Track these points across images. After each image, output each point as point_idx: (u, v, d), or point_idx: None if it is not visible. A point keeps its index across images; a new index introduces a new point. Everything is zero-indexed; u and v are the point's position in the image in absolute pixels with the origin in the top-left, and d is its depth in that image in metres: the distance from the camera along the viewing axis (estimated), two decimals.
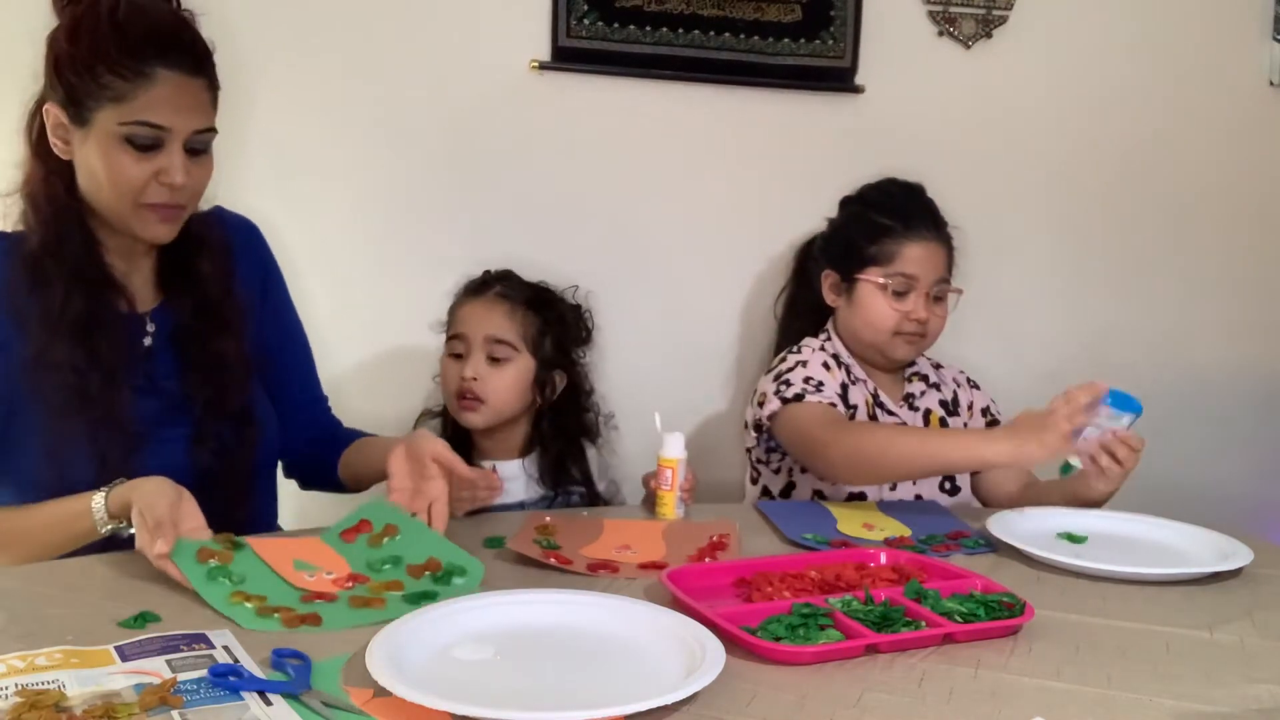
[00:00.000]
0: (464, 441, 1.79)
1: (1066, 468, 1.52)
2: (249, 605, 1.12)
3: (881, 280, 1.86)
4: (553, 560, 1.32)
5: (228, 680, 0.95)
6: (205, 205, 1.50)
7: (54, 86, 1.36)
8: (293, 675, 0.97)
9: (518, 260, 1.87)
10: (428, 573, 1.23)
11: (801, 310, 2.09)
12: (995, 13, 2.28)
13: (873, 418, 1.88)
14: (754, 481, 1.96)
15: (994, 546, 1.46)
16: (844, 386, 1.85)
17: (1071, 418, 1.48)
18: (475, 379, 1.72)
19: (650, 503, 1.65)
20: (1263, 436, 2.51)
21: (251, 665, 0.99)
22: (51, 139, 1.38)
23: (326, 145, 2.08)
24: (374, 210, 2.12)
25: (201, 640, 1.04)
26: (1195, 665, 1.08)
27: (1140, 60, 2.37)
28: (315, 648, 1.04)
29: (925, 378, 1.98)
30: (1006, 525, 1.50)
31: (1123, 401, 1.47)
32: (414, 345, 1.97)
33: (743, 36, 2.18)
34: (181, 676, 0.96)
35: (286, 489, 1.66)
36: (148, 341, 1.47)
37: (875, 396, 1.90)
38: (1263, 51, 2.42)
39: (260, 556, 1.23)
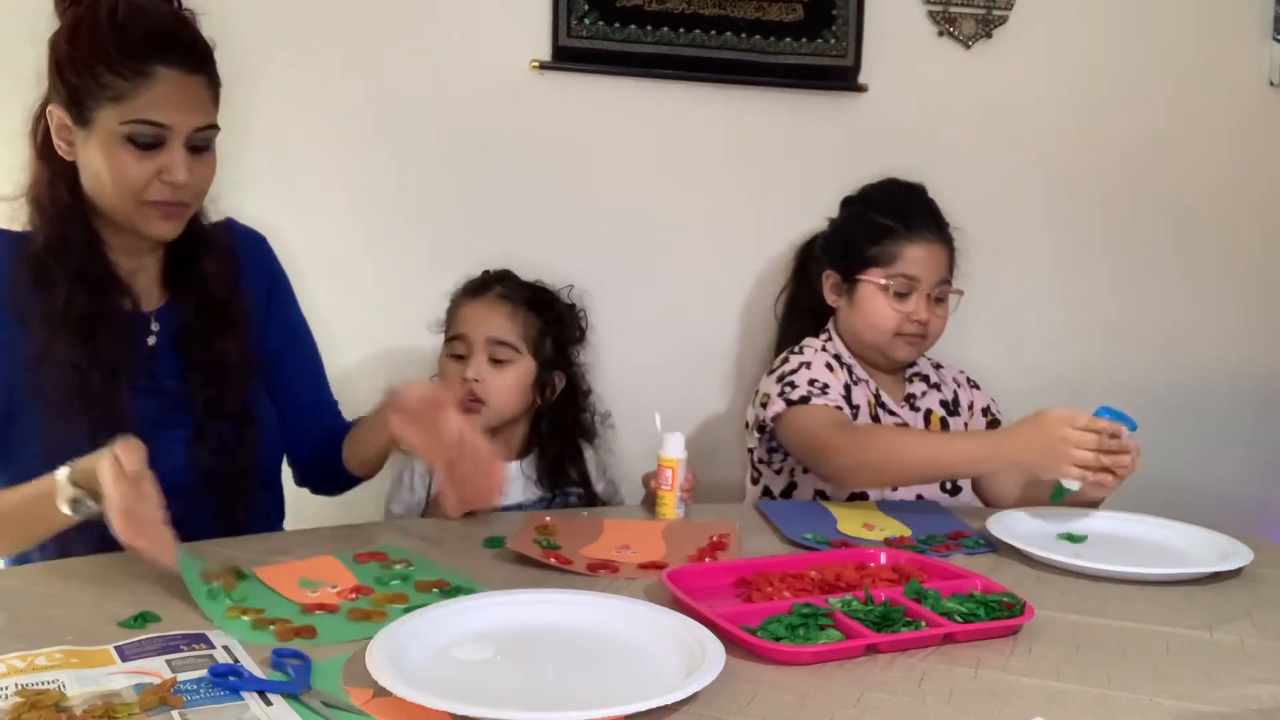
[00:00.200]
0: None
1: (1060, 492, 1.50)
2: (245, 619, 1.12)
3: (883, 281, 1.86)
4: (553, 560, 1.32)
5: (228, 680, 0.95)
6: (213, 210, 1.51)
7: (56, 88, 1.37)
8: (293, 675, 0.97)
9: (518, 260, 1.87)
10: (436, 589, 1.23)
11: (802, 310, 2.09)
12: (995, 13, 2.28)
13: (875, 418, 1.88)
14: (754, 481, 1.96)
15: (994, 546, 1.46)
16: (847, 387, 1.85)
17: (1082, 444, 1.44)
18: (478, 381, 1.72)
19: (650, 503, 1.64)
20: (1263, 436, 2.51)
21: (251, 665, 0.99)
22: (55, 140, 1.39)
23: (326, 145, 2.08)
24: (374, 210, 2.12)
25: (201, 640, 1.04)
26: (1195, 665, 1.08)
27: (1140, 60, 2.37)
28: (315, 648, 1.04)
29: (926, 378, 1.98)
30: (1006, 525, 1.50)
31: (1118, 418, 1.45)
32: (413, 345, 1.97)
33: (744, 36, 2.18)
34: (181, 676, 0.96)
35: (292, 494, 1.66)
36: (151, 341, 1.47)
37: (877, 397, 1.90)
38: (1263, 51, 2.42)
39: (265, 583, 1.23)
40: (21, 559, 1.36)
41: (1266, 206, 2.47)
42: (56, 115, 1.37)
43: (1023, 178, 2.36)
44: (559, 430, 1.81)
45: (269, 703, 0.92)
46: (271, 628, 1.10)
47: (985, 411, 1.99)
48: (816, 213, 2.06)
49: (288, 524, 1.64)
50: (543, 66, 2.12)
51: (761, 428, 1.85)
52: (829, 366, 1.86)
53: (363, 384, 1.81)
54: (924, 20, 2.27)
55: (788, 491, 1.91)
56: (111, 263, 1.43)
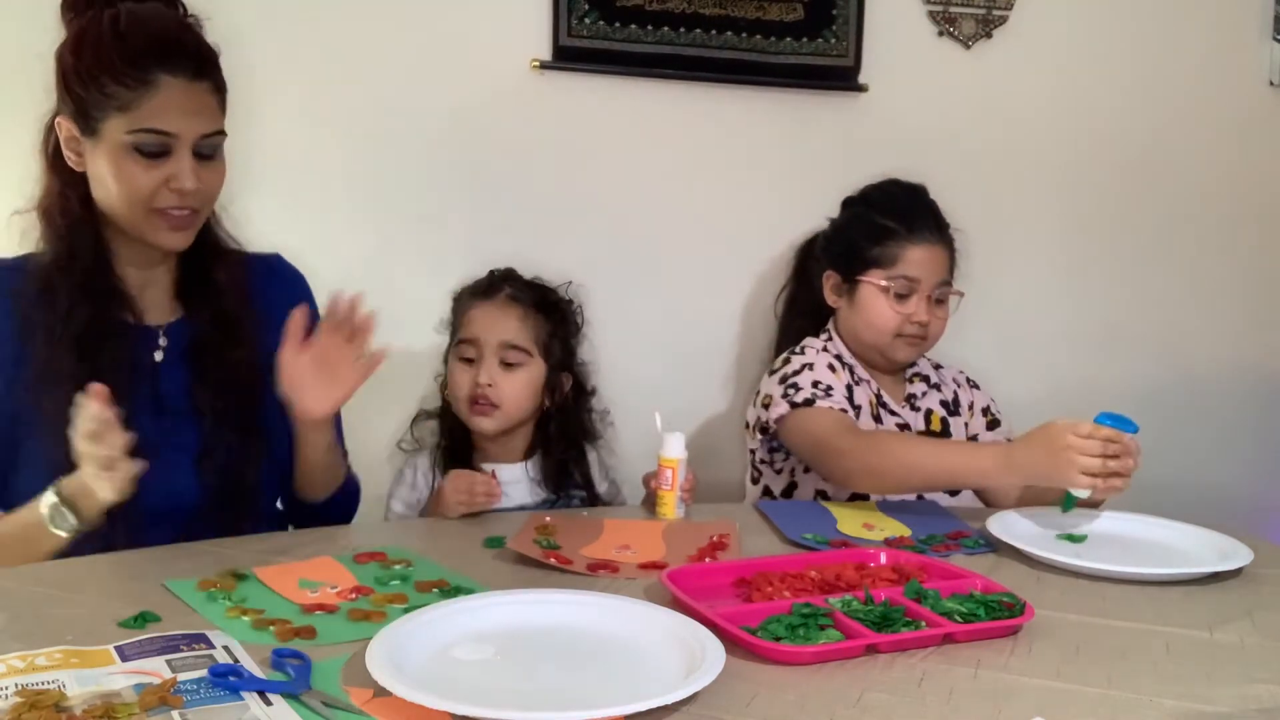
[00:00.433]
0: (465, 444, 1.78)
1: (1070, 501, 1.50)
2: (245, 619, 1.12)
3: (883, 283, 1.86)
4: (553, 560, 1.32)
5: (228, 680, 0.95)
6: (225, 217, 1.51)
7: (64, 100, 1.37)
8: (293, 675, 0.97)
9: (518, 260, 1.87)
10: (436, 589, 1.23)
11: (802, 309, 2.09)
12: (995, 13, 2.28)
13: (876, 418, 1.88)
14: (755, 481, 1.96)
15: (994, 546, 1.46)
16: (849, 388, 1.85)
17: (1086, 451, 1.43)
18: (491, 385, 1.71)
19: (650, 503, 1.65)
20: (1263, 436, 2.51)
21: (251, 665, 0.99)
22: (65, 152, 1.39)
23: (327, 145, 2.08)
24: (374, 210, 2.12)
25: (201, 640, 1.04)
26: (1195, 665, 1.08)
27: (1140, 60, 2.37)
28: (315, 648, 1.04)
29: (926, 378, 1.98)
30: (1006, 525, 1.50)
31: (1118, 422, 1.45)
32: (413, 347, 1.96)
33: (744, 35, 2.18)
34: (181, 676, 0.96)
35: None
36: (158, 356, 1.46)
37: (878, 397, 1.91)
38: (1263, 51, 2.42)
39: (264, 583, 1.23)
40: None
41: (1267, 206, 2.47)
42: (65, 127, 1.38)
43: (1022, 178, 2.36)
44: (564, 432, 1.80)
45: (269, 703, 0.92)
46: (271, 628, 1.10)
47: (985, 411, 1.99)
48: (816, 212, 2.06)
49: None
50: (543, 66, 2.12)
51: (764, 429, 1.85)
52: (831, 368, 1.86)
53: (361, 387, 1.81)
54: (924, 20, 2.27)
55: (788, 491, 1.91)
56: (119, 276, 1.43)
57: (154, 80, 1.33)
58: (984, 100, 2.31)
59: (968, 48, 2.29)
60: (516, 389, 1.73)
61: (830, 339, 1.94)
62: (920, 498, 1.76)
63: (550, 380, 1.77)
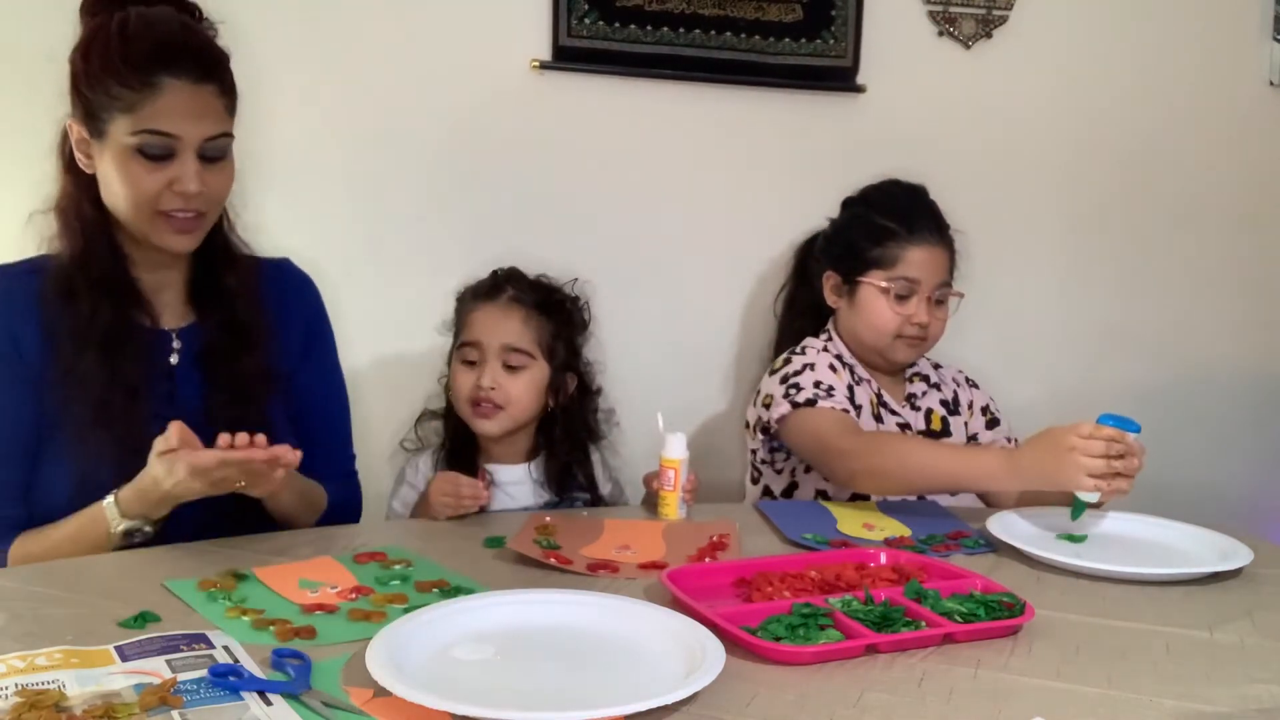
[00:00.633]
0: (470, 445, 1.77)
1: (1080, 507, 1.49)
2: (245, 619, 1.12)
3: (884, 284, 1.86)
4: (553, 560, 1.32)
5: (228, 680, 0.95)
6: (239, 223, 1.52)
7: (74, 102, 1.38)
8: (293, 675, 0.97)
9: (518, 260, 1.86)
10: (436, 589, 1.23)
11: (802, 309, 2.09)
12: (995, 13, 2.28)
13: (877, 418, 1.88)
14: (755, 481, 1.96)
15: (994, 546, 1.46)
16: (850, 388, 1.85)
17: (1089, 452, 1.42)
18: (494, 388, 1.70)
19: (651, 503, 1.65)
20: (1263, 436, 2.51)
21: (251, 665, 0.99)
22: (76, 154, 1.40)
23: (327, 146, 2.08)
24: (374, 211, 2.12)
25: (201, 640, 1.04)
26: (1195, 665, 1.08)
27: (1140, 60, 2.37)
28: (315, 648, 1.04)
29: (926, 378, 1.99)
30: (1006, 525, 1.50)
31: (1120, 423, 1.45)
32: (414, 346, 1.97)
33: (744, 36, 2.18)
34: (181, 676, 0.96)
35: None
36: (174, 359, 1.47)
37: (879, 397, 1.91)
38: (1263, 51, 2.42)
39: (264, 583, 1.23)
40: None
41: (1267, 206, 2.47)
42: (75, 129, 1.39)
43: (1022, 178, 2.36)
44: (568, 433, 1.79)
45: (269, 703, 0.92)
46: (271, 628, 1.10)
47: (985, 410, 1.99)
48: (816, 213, 2.06)
49: None
50: (543, 66, 2.12)
51: (765, 429, 1.85)
52: (832, 368, 1.86)
53: (363, 387, 1.81)
54: (924, 20, 2.27)
55: (789, 492, 1.91)
56: (134, 278, 1.44)
57: (157, 82, 1.33)
58: (984, 100, 2.31)
59: (968, 48, 2.29)
60: (519, 391, 1.71)
61: (830, 339, 1.94)
62: (921, 498, 1.76)
63: (554, 381, 1.76)
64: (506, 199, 2.15)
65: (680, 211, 2.23)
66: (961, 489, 1.61)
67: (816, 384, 1.79)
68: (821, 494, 1.85)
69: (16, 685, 0.93)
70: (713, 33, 2.17)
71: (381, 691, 0.92)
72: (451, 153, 2.13)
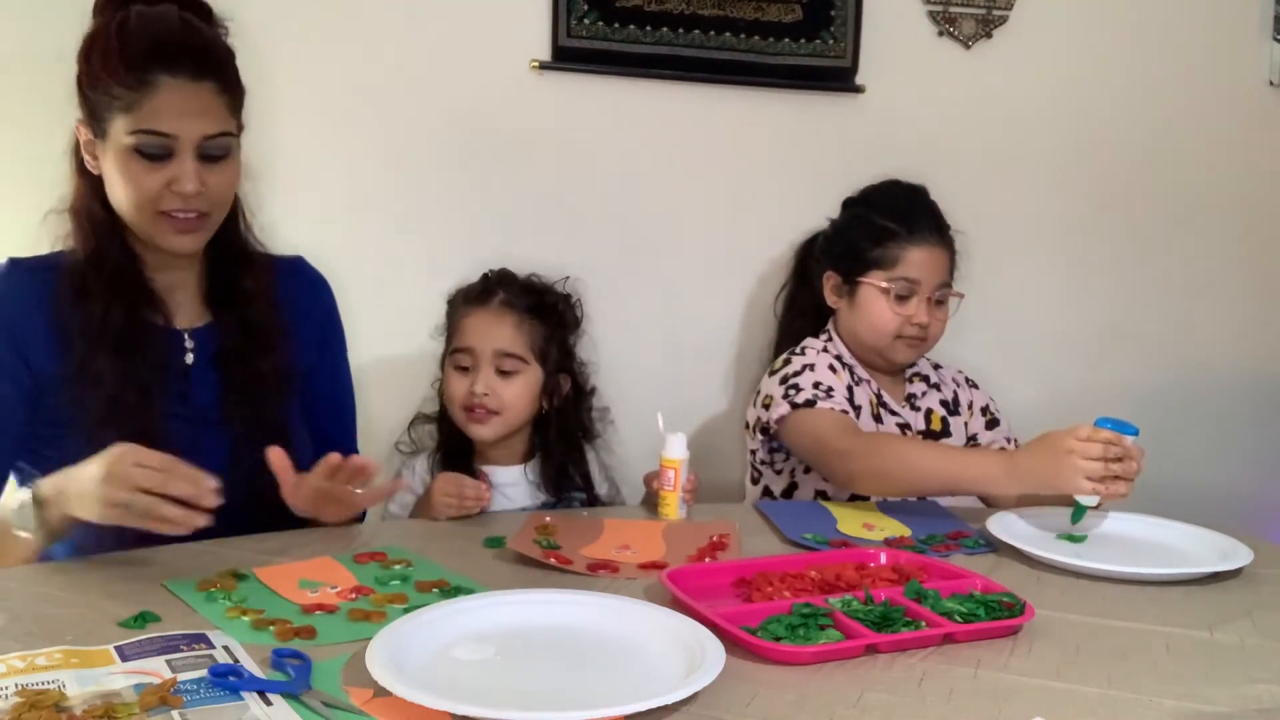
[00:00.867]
0: (465, 448, 1.77)
1: (1080, 511, 1.49)
2: (245, 619, 1.12)
3: (884, 284, 1.86)
4: (553, 560, 1.32)
5: (228, 680, 0.95)
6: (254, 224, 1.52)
7: (81, 103, 1.38)
8: (293, 675, 0.97)
9: (518, 261, 1.86)
10: (436, 589, 1.23)
11: (802, 309, 2.08)
12: (995, 13, 2.28)
13: (876, 418, 1.88)
14: (755, 482, 1.96)
15: (994, 546, 1.46)
16: (849, 388, 1.85)
17: (1087, 454, 1.42)
18: (487, 394, 1.69)
19: (651, 502, 1.64)
20: (1263, 436, 2.51)
21: (251, 665, 0.99)
22: (84, 155, 1.40)
23: (326, 146, 2.08)
24: (373, 211, 2.12)
25: (201, 640, 1.04)
26: (1195, 665, 1.08)
27: (1140, 60, 2.37)
28: (315, 648, 1.04)
29: (926, 378, 1.99)
30: (1006, 525, 1.50)
31: (1118, 426, 1.45)
32: (413, 347, 1.96)
33: (743, 36, 2.18)
34: (181, 676, 0.96)
35: None
36: (189, 359, 1.46)
37: (879, 397, 1.91)
38: (1263, 51, 2.42)
39: (264, 583, 1.23)
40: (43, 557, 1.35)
41: (1266, 206, 2.47)
42: (82, 131, 1.39)
43: (1022, 178, 2.36)
44: (564, 434, 1.79)
45: (269, 703, 0.92)
46: (271, 628, 1.10)
47: (984, 410, 1.99)
48: (815, 213, 2.06)
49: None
50: (543, 66, 2.12)
51: (764, 429, 1.85)
52: (831, 368, 1.86)
53: (362, 387, 1.81)
54: (924, 20, 2.27)
55: (788, 492, 1.91)
56: (147, 279, 1.43)
57: (153, 81, 1.32)
58: (984, 100, 2.31)
59: (968, 48, 2.29)
60: (513, 396, 1.71)
61: (830, 339, 1.94)
62: (920, 498, 1.76)
63: (548, 384, 1.75)
64: (506, 199, 2.15)
65: (680, 211, 2.23)
66: (960, 491, 1.61)
67: (816, 385, 1.79)
68: (821, 494, 1.85)
69: (16, 685, 0.93)
70: (712, 33, 2.17)
71: (381, 691, 0.92)
72: (451, 153, 2.13)
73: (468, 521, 1.56)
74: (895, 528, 1.54)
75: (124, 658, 1.00)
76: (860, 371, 1.91)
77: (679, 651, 1.03)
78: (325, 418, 1.61)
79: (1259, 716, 0.98)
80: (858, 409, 1.84)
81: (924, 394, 1.96)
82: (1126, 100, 2.37)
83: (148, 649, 1.01)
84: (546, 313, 1.77)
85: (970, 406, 1.99)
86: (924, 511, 1.64)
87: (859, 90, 2.24)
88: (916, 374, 1.98)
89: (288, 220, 1.92)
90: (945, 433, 1.94)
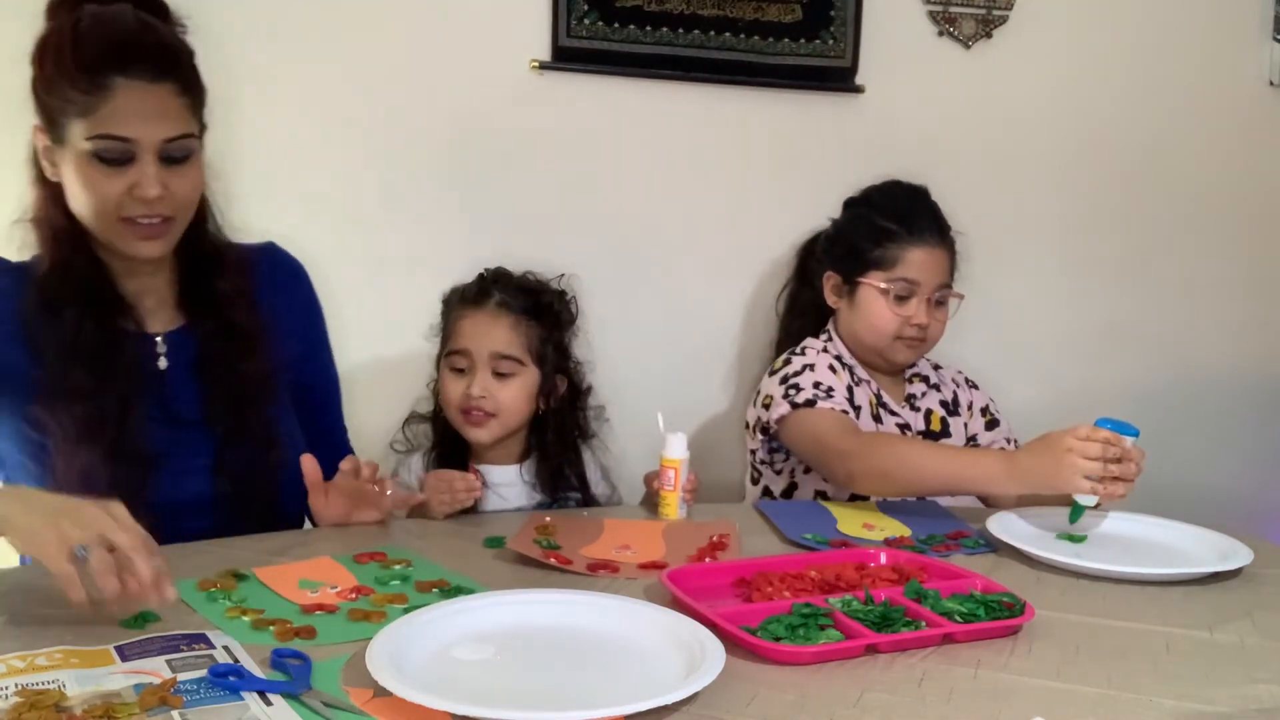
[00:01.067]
0: (460, 447, 1.76)
1: (1078, 511, 1.50)
2: (245, 619, 1.12)
3: (883, 285, 1.86)
4: (553, 560, 1.32)
5: (228, 680, 0.95)
6: (222, 218, 1.49)
7: (36, 109, 1.34)
8: (293, 675, 0.97)
9: (518, 261, 1.85)
10: (436, 589, 1.23)
11: (803, 309, 2.09)
12: (995, 13, 2.28)
13: (876, 419, 1.88)
14: (754, 482, 1.96)
15: (994, 546, 1.46)
16: (849, 389, 1.85)
17: (1086, 453, 1.42)
18: (484, 397, 1.68)
19: (651, 502, 1.64)
20: (1263, 436, 2.51)
21: (251, 665, 0.99)
22: (42, 161, 1.36)
23: (325, 145, 2.07)
24: (372, 211, 2.12)
25: (201, 640, 1.04)
26: (1195, 665, 1.08)
27: (1140, 60, 2.37)
28: (315, 648, 1.04)
29: (926, 378, 1.99)
30: (1006, 525, 1.50)
31: (1117, 426, 1.45)
32: (413, 347, 1.96)
33: (743, 36, 2.18)
34: (181, 676, 0.96)
35: None
36: (162, 364, 1.44)
37: (879, 397, 1.91)
38: (1263, 51, 2.42)
39: (264, 583, 1.23)
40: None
41: (1266, 206, 2.47)
42: (39, 136, 1.35)
43: (1022, 178, 2.36)
44: (560, 434, 1.78)
45: (269, 703, 0.92)
46: (271, 628, 1.10)
47: (984, 411, 1.99)
48: (815, 213, 2.06)
49: None
50: (543, 66, 2.12)
51: (764, 429, 1.85)
52: (832, 369, 1.86)
53: (362, 386, 1.81)
54: (924, 20, 2.27)
55: (788, 492, 1.91)
56: (115, 286, 1.40)
57: (109, 84, 1.28)
58: (984, 100, 2.31)
59: (968, 48, 2.29)
60: (510, 398, 1.69)
61: (830, 339, 1.94)
62: (920, 498, 1.76)
63: (544, 385, 1.74)
64: (506, 199, 2.15)
65: (679, 211, 2.23)
66: (960, 491, 1.62)
67: (816, 385, 1.79)
68: (821, 494, 1.85)
69: (16, 685, 0.93)
70: (712, 33, 2.17)
71: (381, 691, 0.92)
72: (451, 153, 2.13)
73: (468, 521, 1.56)
74: (895, 528, 1.54)
75: (124, 658, 1.00)
76: (860, 372, 1.91)
77: (679, 651, 1.03)
78: (315, 405, 1.60)
79: (1259, 716, 0.98)
80: (857, 409, 1.84)
81: (924, 394, 1.96)
82: (1126, 100, 2.37)
83: (148, 649, 1.01)
84: (543, 313, 1.76)
85: (970, 407, 1.99)
86: (924, 511, 1.64)
87: (859, 90, 2.24)
88: (916, 374, 1.98)
89: (288, 220, 1.92)
90: (945, 433, 1.94)
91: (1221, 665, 1.08)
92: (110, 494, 1.17)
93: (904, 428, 1.91)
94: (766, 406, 1.83)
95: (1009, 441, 1.95)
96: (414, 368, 1.90)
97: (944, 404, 1.97)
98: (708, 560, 1.37)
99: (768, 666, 1.03)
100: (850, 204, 1.99)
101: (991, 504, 1.79)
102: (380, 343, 2.11)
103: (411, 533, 1.51)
